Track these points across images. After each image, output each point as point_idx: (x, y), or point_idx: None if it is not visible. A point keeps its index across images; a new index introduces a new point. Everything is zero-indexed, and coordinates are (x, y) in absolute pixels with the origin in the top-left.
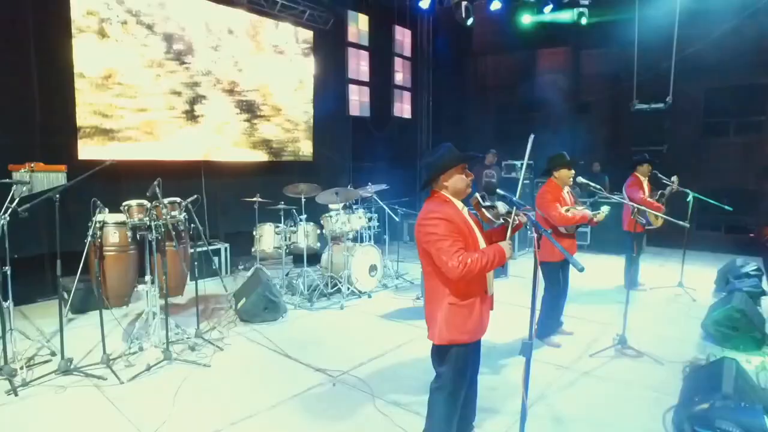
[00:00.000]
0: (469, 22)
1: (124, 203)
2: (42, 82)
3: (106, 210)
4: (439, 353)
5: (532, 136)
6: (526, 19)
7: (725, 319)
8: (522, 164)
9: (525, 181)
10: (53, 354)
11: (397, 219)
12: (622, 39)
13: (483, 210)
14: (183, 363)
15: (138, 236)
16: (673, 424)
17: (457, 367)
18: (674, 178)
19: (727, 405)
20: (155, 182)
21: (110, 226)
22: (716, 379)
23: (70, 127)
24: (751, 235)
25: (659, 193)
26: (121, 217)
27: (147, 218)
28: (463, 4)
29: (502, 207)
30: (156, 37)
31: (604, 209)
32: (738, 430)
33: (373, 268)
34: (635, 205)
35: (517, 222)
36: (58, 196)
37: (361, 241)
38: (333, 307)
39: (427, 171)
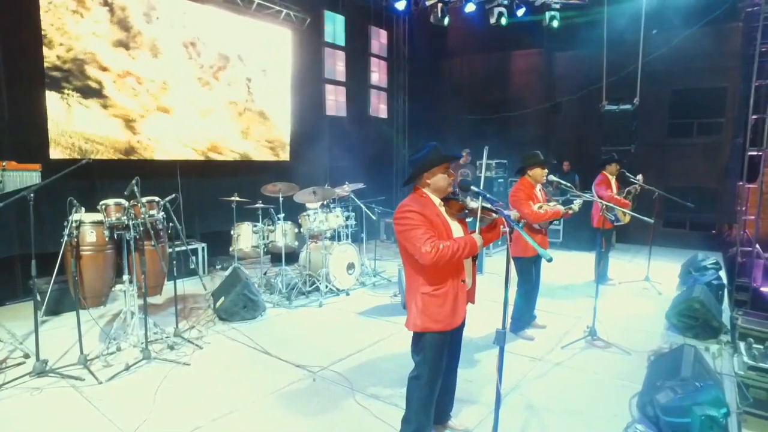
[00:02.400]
0: (445, 22)
1: (101, 202)
2: (10, 78)
3: (83, 209)
4: (415, 342)
5: (486, 148)
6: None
7: (686, 310)
8: (482, 164)
9: (499, 180)
10: (27, 356)
11: (374, 217)
12: (591, 42)
13: (458, 204)
14: (162, 362)
15: (116, 235)
16: (637, 408)
17: (432, 356)
18: (639, 177)
19: (686, 388)
20: (133, 181)
21: (87, 226)
22: (676, 365)
23: (41, 125)
24: (713, 231)
25: (626, 190)
26: (98, 216)
27: (125, 217)
28: (438, 5)
29: (472, 202)
30: (129, 33)
31: (577, 202)
32: (695, 407)
33: (350, 266)
34: (604, 202)
35: (494, 218)
36: (32, 195)
37: (339, 240)
38: (311, 305)
39: (412, 168)
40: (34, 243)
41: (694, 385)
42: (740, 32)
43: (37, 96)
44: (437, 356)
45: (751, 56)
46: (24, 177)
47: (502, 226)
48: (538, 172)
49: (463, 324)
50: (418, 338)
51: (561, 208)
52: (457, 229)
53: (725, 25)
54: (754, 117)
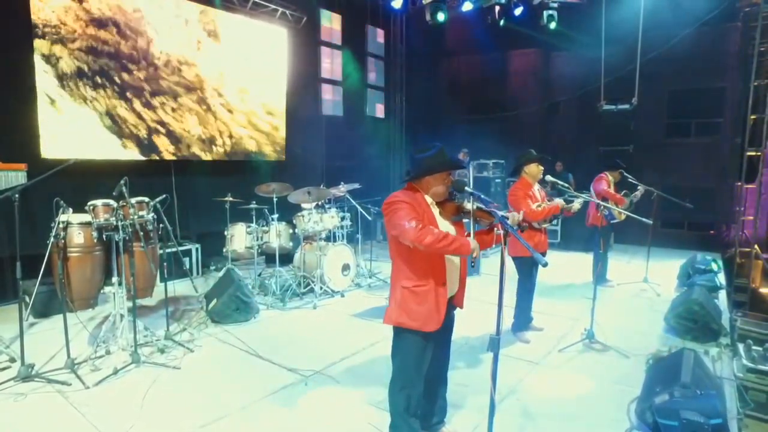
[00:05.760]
0: (441, 18)
1: (89, 203)
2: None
3: (70, 210)
4: (394, 344)
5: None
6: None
7: (685, 312)
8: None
9: (497, 180)
10: (12, 360)
11: (369, 218)
12: (589, 42)
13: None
14: (152, 366)
15: (104, 237)
16: (636, 414)
17: (408, 358)
18: (640, 187)
19: (685, 394)
20: (122, 181)
21: (75, 227)
22: (676, 370)
23: (32, 124)
24: (712, 232)
25: (623, 192)
26: (86, 217)
27: (113, 218)
28: (435, 4)
29: (468, 203)
30: (123, 31)
31: (578, 200)
32: (695, 416)
33: (346, 267)
34: (601, 203)
35: (492, 222)
36: (17, 195)
37: (334, 241)
38: (306, 306)
39: (416, 167)
40: (19, 244)
41: (695, 392)
42: (738, 32)
43: (27, 93)
44: (415, 360)
45: (750, 56)
46: (9, 177)
47: (496, 229)
48: (534, 169)
49: (449, 329)
50: (396, 340)
51: (560, 201)
52: (446, 229)
53: (723, 24)
54: (753, 117)
